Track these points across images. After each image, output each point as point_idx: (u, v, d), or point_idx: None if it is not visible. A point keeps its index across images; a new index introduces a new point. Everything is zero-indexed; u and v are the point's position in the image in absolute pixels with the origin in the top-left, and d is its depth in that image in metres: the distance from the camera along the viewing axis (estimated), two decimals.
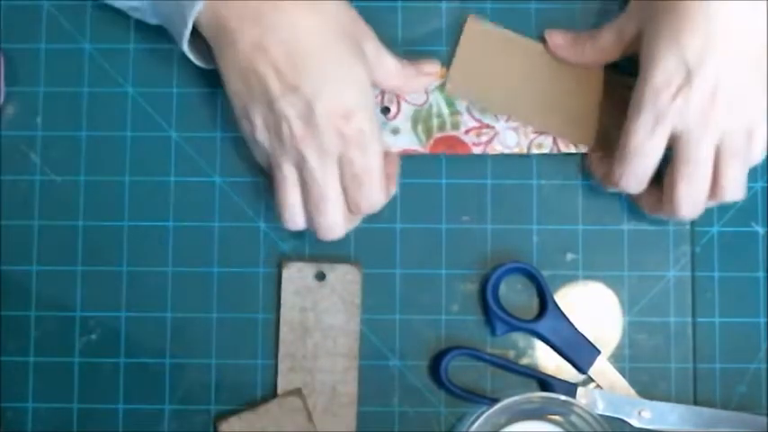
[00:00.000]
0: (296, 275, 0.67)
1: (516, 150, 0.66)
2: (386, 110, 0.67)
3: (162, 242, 0.68)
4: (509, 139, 0.66)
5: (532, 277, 0.67)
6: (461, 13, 0.68)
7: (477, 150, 0.66)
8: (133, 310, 0.67)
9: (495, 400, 0.61)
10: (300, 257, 0.67)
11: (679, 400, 0.66)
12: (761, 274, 0.68)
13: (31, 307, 0.67)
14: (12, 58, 0.69)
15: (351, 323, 0.67)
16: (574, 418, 0.63)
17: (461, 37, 0.67)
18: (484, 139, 0.66)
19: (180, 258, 0.68)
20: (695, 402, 0.67)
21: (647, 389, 0.67)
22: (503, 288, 0.67)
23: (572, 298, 0.67)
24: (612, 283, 0.68)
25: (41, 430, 0.67)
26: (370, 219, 0.66)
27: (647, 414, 0.66)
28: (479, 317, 0.67)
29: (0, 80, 0.68)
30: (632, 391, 0.66)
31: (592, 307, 0.67)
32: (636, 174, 0.61)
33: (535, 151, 0.66)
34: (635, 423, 0.66)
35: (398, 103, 0.67)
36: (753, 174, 0.68)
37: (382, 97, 0.67)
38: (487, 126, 0.66)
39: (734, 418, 0.66)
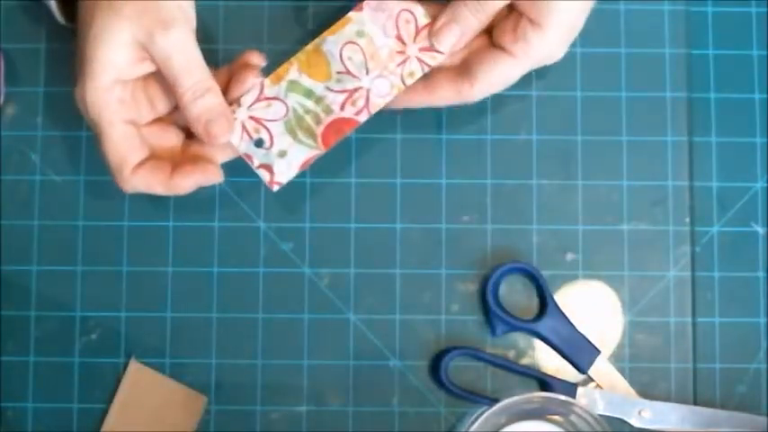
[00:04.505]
0: None
1: (395, 92, 0.63)
2: (259, 142, 0.63)
3: (162, 242, 0.68)
4: (382, 87, 0.63)
5: (532, 277, 0.67)
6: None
7: (361, 118, 0.63)
8: (133, 310, 0.67)
9: (495, 400, 0.61)
10: (301, 259, 0.67)
11: (679, 400, 0.66)
12: (761, 274, 0.68)
13: (31, 307, 0.67)
14: (12, 58, 0.69)
15: None
16: (574, 418, 0.62)
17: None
18: (361, 103, 0.63)
19: (180, 258, 0.67)
20: (695, 402, 0.67)
21: (647, 389, 0.67)
22: (503, 288, 0.67)
23: (572, 298, 0.67)
24: (612, 283, 0.67)
25: (41, 430, 0.67)
26: (371, 219, 0.67)
27: (647, 414, 0.66)
28: (479, 317, 0.67)
29: (0, 80, 0.68)
30: (632, 391, 0.66)
31: (592, 307, 0.67)
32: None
33: (410, 81, 0.63)
34: (635, 423, 0.66)
35: (266, 129, 0.63)
36: (753, 174, 0.68)
37: (247, 131, 0.62)
38: (355, 90, 0.63)
39: (734, 418, 0.66)
